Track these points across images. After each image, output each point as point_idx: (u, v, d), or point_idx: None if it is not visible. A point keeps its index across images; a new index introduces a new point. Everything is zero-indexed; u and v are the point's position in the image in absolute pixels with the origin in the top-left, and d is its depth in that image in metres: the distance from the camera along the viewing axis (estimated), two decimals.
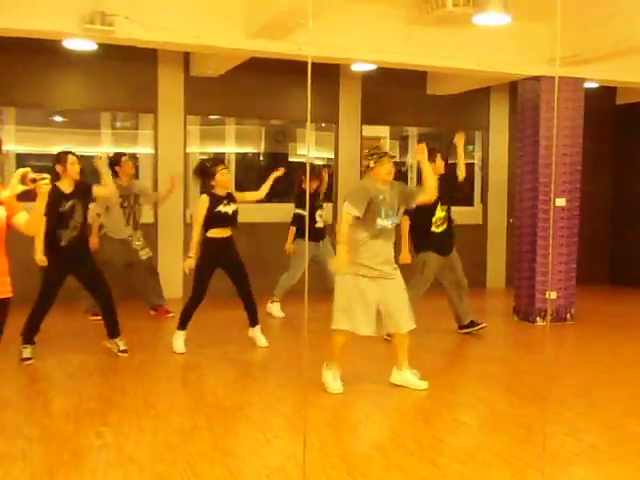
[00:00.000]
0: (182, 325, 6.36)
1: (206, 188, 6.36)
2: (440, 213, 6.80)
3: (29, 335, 5.86)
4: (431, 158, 6.68)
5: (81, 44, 7.21)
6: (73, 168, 5.81)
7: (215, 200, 6.22)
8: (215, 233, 6.23)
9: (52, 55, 8.07)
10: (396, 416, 4.72)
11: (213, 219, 6.21)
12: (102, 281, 6.08)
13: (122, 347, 6.14)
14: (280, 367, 5.90)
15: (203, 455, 3.95)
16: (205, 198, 6.21)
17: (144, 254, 7.67)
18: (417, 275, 6.80)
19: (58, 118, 9.69)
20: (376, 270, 5.08)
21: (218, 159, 6.80)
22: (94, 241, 7.12)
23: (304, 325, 5.97)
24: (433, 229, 6.83)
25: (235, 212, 6.31)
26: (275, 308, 8.03)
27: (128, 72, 8.70)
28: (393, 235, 5.28)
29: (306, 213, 7.58)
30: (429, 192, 5.39)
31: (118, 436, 4.22)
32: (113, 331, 6.14)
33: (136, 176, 8.98)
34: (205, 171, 6.35)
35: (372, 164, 5.14)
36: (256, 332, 6.56)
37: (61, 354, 6.06)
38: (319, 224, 7.94)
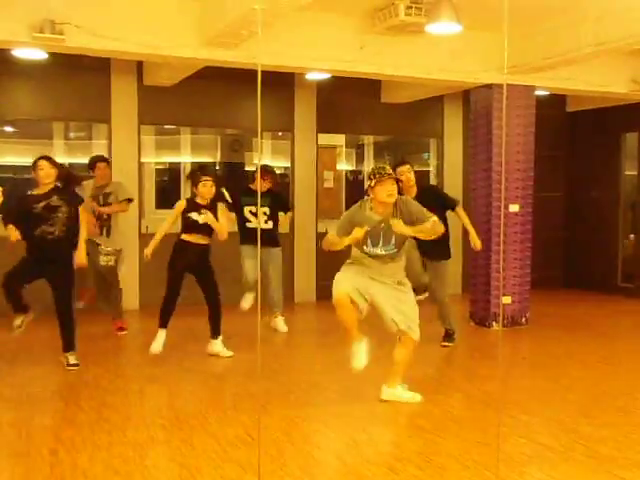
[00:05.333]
0: (162, 323, 6.38)
1: (192, 194, 6.53)
2: None
3: None
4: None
5: (31, 53, 7.11)
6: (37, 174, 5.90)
7: (190, 206, 6.38)
8: (186, 237, 6.37)
9: (1, 64, 7.93)
10: (353, 423, 4.72)
11: (184, 223, 6.41)
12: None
13: (72, 361, 5.96)
14: (237, 377, 5.86)
15: (159, 468, 3.90)
16: (181, 203, 6.49)
17: (103, 261, 7.26)
18: None
19: (9, 129, 9.53)
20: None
21: (208, 168, 6.75)
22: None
23: (262, 335, 5.95)
24: None
25: (206, 223, 6.31)
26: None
27: (81, 81, 8.60)
28: (396, 259, 4.98)
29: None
30: (429, 235, 5.06)
31: (71, 452, 4.14)
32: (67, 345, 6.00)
33: None
34: (192, 178, 6.58)
35: (372, 183, 4.80)
36: (216, 344, 6.47)
37: (12, 368, 5.93)
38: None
